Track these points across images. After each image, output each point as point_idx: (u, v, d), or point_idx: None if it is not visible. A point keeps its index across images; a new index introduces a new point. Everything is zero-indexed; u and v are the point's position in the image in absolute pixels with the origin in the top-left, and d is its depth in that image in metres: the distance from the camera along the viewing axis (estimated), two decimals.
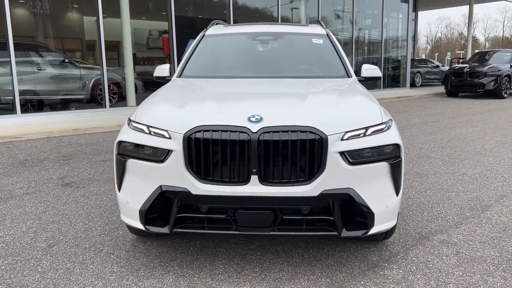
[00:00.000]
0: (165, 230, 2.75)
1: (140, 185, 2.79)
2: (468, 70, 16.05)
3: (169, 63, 12.09)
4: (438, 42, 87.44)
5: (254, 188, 2.61)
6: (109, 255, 3.18)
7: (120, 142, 2.87)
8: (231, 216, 2.70)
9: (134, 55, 11.80)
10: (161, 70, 4.24)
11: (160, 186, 2.70)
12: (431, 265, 3.00)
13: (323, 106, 2.90)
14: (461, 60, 28.99)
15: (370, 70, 4.12)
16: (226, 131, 2.59)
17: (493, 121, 10.12)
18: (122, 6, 10.71)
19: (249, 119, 2.64)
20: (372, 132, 2.76)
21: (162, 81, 4.28)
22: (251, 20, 14.33)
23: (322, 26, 4.74)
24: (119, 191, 2.92)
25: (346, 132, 2.67)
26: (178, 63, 11.65)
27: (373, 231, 2.74)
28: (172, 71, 4.36)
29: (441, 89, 19.10)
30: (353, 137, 2.68)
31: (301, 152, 2.59)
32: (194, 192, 2.64)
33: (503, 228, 3.66)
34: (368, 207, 2.68)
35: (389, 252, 3.21)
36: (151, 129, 2.79)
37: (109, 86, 11.18)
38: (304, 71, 4.15)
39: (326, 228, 2.71)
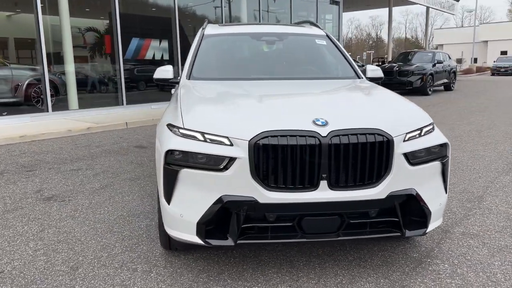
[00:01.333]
0: (228, 242, 2.58)
1: (197, 196, 2.60)
2: (397, 69, 17.11)
3: (112, 63, 11.46)
4: (349, 42, 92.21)
5: (324, 193, 2.55)
6: (147, 273, 2.92)
7: (169, 151, 2.64)
8: (297, 223, 2.61)
9: (55, 53, 10.90)
10: (164, 72, 3.98)
11: (222, 197, 2.54)
12: (469, 257, 3.15)
13: (378, 108, 2.92)
14: (380, 60, 30.86)
15: (374, 71, 4.21)
16: (294, 136, 2.50)
17: (432, 117, 10.83)
18: (61, 1, 9.93)
19: (314, 123, 2.57)
20: (425, 132, 2.83)
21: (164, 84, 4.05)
22: (195, 18, 14.02)
23: (319, 27, 4.76)
24: (168, 203, 2.69)
25: (407, 133, 2.70)
26: (124, 62, 11.12)
27: (429, 229, 2.81)
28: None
29: None
30: (412, 138, 2.73)
31: (370, 155, 2.57)
32: (261, 201, 2.52)
33: (506, 217, 3.94)
34: (427, 206, 2.74)
35: (424, 248, 3.31)
36: (206, 136, 2.61)
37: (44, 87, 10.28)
38: (318, 72, 4.14)
39: (389, 230, 2.73)
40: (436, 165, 2.81)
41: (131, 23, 11.73)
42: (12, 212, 4.14)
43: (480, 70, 41.71)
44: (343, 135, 2.53)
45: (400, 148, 2.64)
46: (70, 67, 10.35)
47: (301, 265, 3.04)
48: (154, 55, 12.31)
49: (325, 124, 2.56)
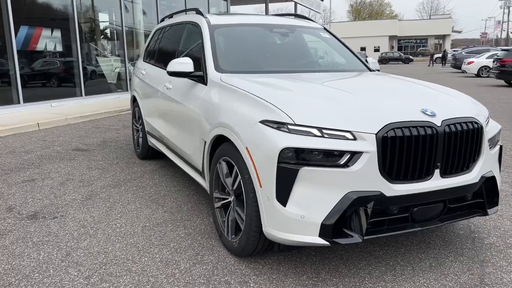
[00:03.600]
0: (356, 240, 2.50)
1: (320, 195, 2.46)
2: None
3: (3, 55, 9.82)
4: None
5: (437, 182, 2.64)
6: (245, 284, 2.67)
7: (284, 150, 2.45)
8: (411, 213, 2.65)
9: None
10: (182, 64, 3.60)
11: (349, 193, 2.45)
12: (504, 229, 3.54)
13: (453, 97, 3.09)
14: None
15: (374, 64, 4.41)
16: (415, 126, 2.54)
17: None
18: None
19: (424, 113, 2.63)
20: (489, 119, 3.11)
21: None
22: (100, 6, 12.72)
23: (312, 20, 4.78)
24: (284, 205, 2.50)
25: (485, 121, 2.94)
26: (19, 56, 9.65)
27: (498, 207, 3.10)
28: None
29: None
30: (487, 125, 2.98)
31: (470, 141, 2.73)
32: (388, 194, 2.50)
33: None
34: (497, 186, 3.02)
35: (461, 225, 3.63)
36: (324, 131, 2.48)
37: None
38: (341, 64, 4.17)
39: (473, 211, 2.93)
40: (498, 148, 3.11)
41: (26, 8, 10.19)
42: (2, 237, 3.36)
43: None
44: (452, 124, 2.64)
45: (486, 134, 2.86)
46: None
47: (381, 254, 3.09)
48: (46, 45, 10.88)
49: (434, 114, 2.64)
